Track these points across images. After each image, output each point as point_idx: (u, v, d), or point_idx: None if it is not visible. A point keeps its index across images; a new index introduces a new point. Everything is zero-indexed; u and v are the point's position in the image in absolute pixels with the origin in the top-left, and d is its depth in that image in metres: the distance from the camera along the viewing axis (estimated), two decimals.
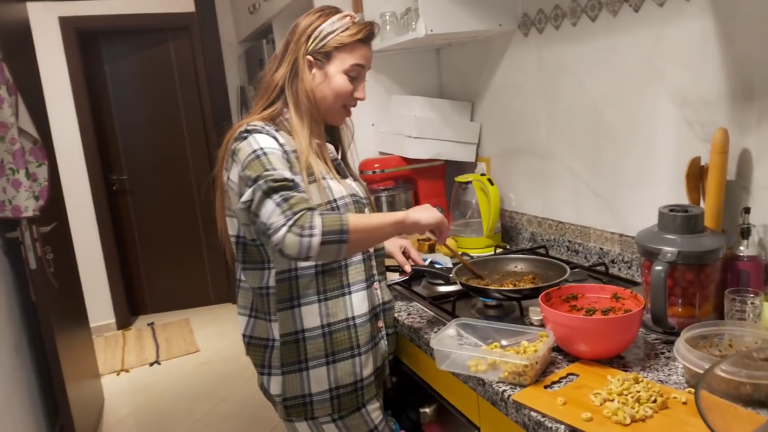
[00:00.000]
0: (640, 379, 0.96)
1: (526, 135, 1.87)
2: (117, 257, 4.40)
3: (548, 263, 1.44)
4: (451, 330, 1.20)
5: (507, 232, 2.01)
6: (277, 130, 1.21)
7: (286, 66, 1.26)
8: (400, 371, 1.48)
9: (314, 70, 1.26)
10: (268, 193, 1.10)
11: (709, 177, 1.22)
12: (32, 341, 2.47)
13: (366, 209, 1.31)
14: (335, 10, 1.28)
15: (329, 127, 1.38)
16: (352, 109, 1.34)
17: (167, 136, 4.51)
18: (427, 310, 1.44)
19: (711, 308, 1.16)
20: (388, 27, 1.94)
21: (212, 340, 4.06)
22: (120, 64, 4.43)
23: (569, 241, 1.75)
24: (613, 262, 1.59)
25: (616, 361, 1.08)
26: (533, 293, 1.29)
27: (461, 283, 1.36)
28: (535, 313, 1.26)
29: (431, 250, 1.88)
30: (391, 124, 2.13)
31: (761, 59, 1.16)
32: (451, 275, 1.41)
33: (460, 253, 1.79)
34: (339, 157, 1.37)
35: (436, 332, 1.28)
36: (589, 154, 1.63)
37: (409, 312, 1.43)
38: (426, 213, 1.25)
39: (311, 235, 1.06)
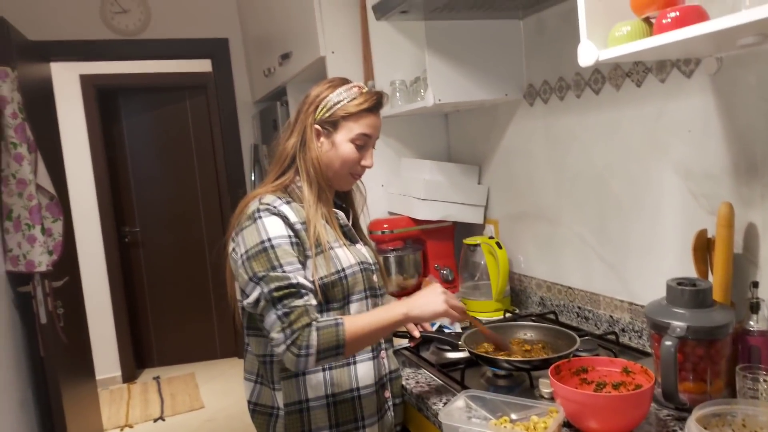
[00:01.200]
0: None
1: (534, 199, 1.89)
2: (126, 309, 4.41)
3: (558, 332, 1.44)
4: (460, 402, 1.19)
5: (516, 295, 2.01)
6: (288, 202, 1.24)
7: (296, 135, 1.31)
8: None
9: (322, 139, 1.30)
10: (272, 302, 1.14)
11: (716, 251, 1.23)
12: (38, 396, 2.45)
13: (374, 275, 1.32)
14: (344, 81, 1.33)
15: (342, 193, 1.41)
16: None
17: (181, 192, 4.59)
18: (435, 378, 1.43)
19: (723, 384, 1.15)
20: (398, 94, 2.01)
21: (217, 396, 4.00)
22: (137, 120, 4.56)
23: (579, 308, 1.74)
24: (623, 330, 1.58)
25: None
26: (543, 365, 1.28)
27: (470, 352, 1.36)
28: (545, 386, 1.25)
29: None
30: (400, 186, 2.16)
31: (763, 133, 1.19)
32: (459, 342, 1.41)
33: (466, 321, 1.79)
34: (350, 222, 1.39)
35: (445, 403, 1.27)
36: (596, 221, 1.64)
37: (417, 380, 1.43)
38: (430, 304, 1.23)
39: (308, 355, 1.12)
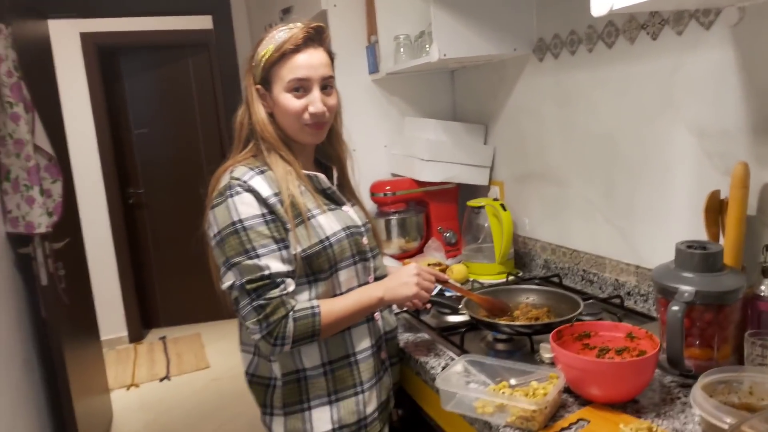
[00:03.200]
0: (654, 429, 0.91)
1: (541, 160, 1.83)
2: (131, 270, 4.42)
3: (562, 296, 1.40)
4: (458, 366, 1.16)
5: (520, 258, 1.96)
6: (263, 171, 1.18)
7: (243, 102, 1.24)
8: (406, 402, 1.44)
9: (268, 99, 1.21)
10: (246, 293, 1.11)
11: (728, 212, 1.18)
12: (42, 356, 2.46)
13: (364, 237, 1.27)
14: (276, 30, 1.19)
15: (325, 149, 1.34)
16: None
17: (185, 152, 4.54)
18: (435, 341, 1.40)
19: (730, 350, 1.11)
20: (402, 50, 1.93)
21: (223, 356, 4.04)
22: (139, 80, 4.48)
23: (584, 271, 1.70)
24: (629, 294, 1.54)
25: (630, 405, 1.03)
26: (545, 329, 1.25)
27: (471, 317, 1.32)
28: (546, 350, 1.22)
29: None
30: (403, 146, 2.10)
31: None
32: (460, 306, 1.37)
33: (468, 284, 1.75)
34: (335, 182, 1.33)
35: (443, 367, 1.24)
36: (604, 182, 1.59)
37: (416, 343, 1.40)
38: (401, 288, 1.21)
39: (283, 344, 1.12)
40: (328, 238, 1.18)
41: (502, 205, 1.82)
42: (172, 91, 4.52)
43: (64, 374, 2.33)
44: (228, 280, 1.13)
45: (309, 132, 1.22)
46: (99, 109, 4.17)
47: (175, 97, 4.52)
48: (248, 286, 1.10)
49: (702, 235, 1.26)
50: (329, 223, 1.20)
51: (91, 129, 4.16)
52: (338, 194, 1.28)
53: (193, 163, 4.54)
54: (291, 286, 1.14)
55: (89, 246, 3.48)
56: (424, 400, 1.36)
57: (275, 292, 1.11)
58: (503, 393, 1.05)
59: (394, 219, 2.01)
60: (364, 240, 1.27)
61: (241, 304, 1.12)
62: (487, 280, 1.83)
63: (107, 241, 4.27)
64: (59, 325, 2.32)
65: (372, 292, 1.20)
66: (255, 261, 1.11)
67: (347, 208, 1.29)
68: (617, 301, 1.50)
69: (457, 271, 1.82)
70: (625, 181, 1.52)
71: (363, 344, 1.23)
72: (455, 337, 1.36)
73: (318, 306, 1.14)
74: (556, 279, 1.74)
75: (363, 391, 1.22)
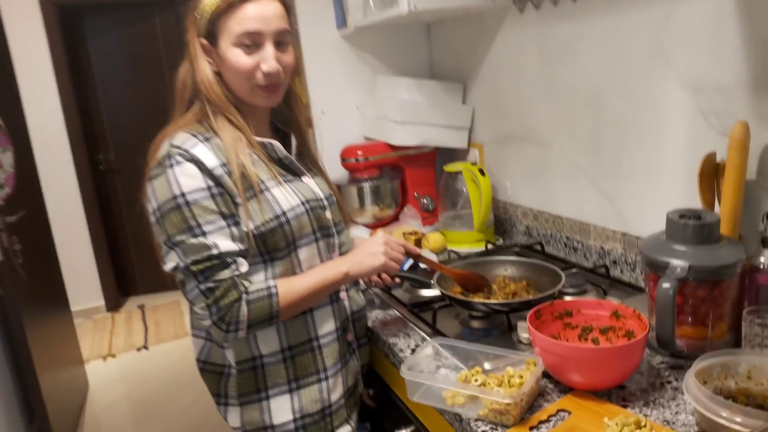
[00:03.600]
0: (643, 423, 0.82)
1: (523, 120, 1.70)
2: (105, 237, 4.27)
3: (542, 268, 1.30)
4: (428, 350, 1.06)
5: (500, 224, 1.86)
6: (208, 139, 1.04)
7: (186, 58, 1.08)
8: (378, 381, 1.35)
9: (213, 55, 1.07)
10: (192, 275, 0.99)
11: (726, 176, 1.07)
12: (4, 334, 2.35)
13: (327, 211, 1.15)
14: None
15: (282, 113, 1.20)
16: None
17: (154, 113, 4.27)
18: (406, 319, 1.30)
19: (726, 328, 1.02)
20: (371, 1, 1.77)
21: None
22: (104, 41, 4.24)
23: (567, 238, 1.60)
24: (614, 263, 1.45)
25: (616, 392, 0.94)
26: (523, 307, 1.15)
27: (443, 293, 1.22)
28: (524, 330, 1.12)
29: (417, 245, 1.73)
30: (376, 107, 1.96)
31: None
32: (432, 281, 1.27)
33: (445, 254, 1.65)
34: (293, 151, 1.19)
35: (413, 350, 1.14)
36: (590, 144, 1.47)
37: (386, 321, 1.30)
38: (368, 259, 1.10)
39: (237, 330, 1.01)
40: (284, 213, 1.06)
41: (481, 170, 1.70)
42: (139, 51, 4.28)
43: (26, 349, 2.22)
44: (171, 261, 1.01)
45: (261, 94, 1.08)
46: (62, 72, 3.94)
47: (142, 58, 4.29)
48: (194, 268, 0.98)
49: (696, 201, 1.15)
50: (285, 196, 1.08)
51: (54, 93, 3.94)
52: (297, 164, 1.15)
53: (164, 125, 4.32)
54: (243, 266, 1.02)
55: (58, 215, 3.33)
56: (394, 382, 1.26)
57: (225, 273, 0.99)
58: (475, 382, 0.95)
59: (367, 186, 1.89)
60: (327, 214, 1.15)
61: (187, 287, 1.01)
62: (465, 248, 1.73)
63: (77, 208, 4.11)
64: (17, 300, 2.20)
65: (336, 267, 1.09)
66: (201, 239, 0.99)
67: (307, 179, 1.16)
68: (603, 271, 1.40)
69: (433, 240, 1.71)
70: (612, 142, 1.40)
71: (327, 327, 1.13)
72: (427, 315, 1.26)
73: (275, 286, 1.03)
74: (538, 247, 1.63)
75: (327, 378, 1.12)
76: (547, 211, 1.66)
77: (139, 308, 4.36)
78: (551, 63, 1.54)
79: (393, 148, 1.89)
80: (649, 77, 1.26)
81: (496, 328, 1.21)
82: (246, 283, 1.01)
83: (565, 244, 1.61)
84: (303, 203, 1.10)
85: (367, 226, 1.88)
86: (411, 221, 1.86)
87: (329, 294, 1.12)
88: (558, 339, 1.04)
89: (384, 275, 1.28)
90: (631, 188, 1.37)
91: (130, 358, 3.64)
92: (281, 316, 1.04)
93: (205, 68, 1.06)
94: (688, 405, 0.89)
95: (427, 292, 1.41)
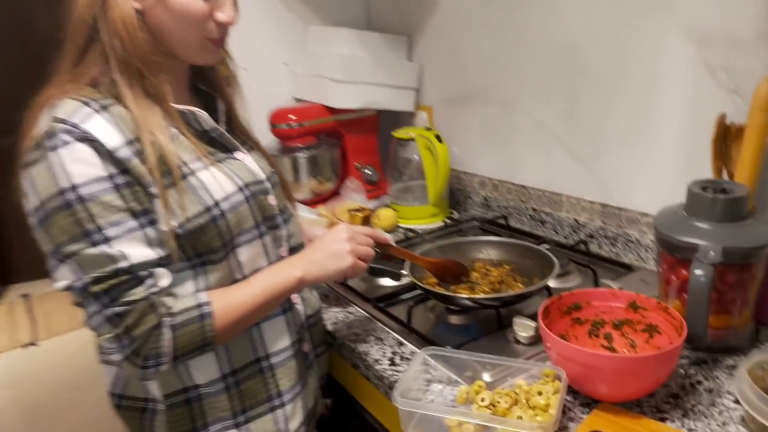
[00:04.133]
0: None
1: (482, 79, 1.51)
2: None
3: (525, 249, 1.13)
4: (417, 364, 0.86)
5: (453, 196, 1.68)
6: (105, 107, 0.75)
7: None
8: (338, 389, 1.14)
9: None
10: (92, 297, 0.72)
11: (746, 141, 0.93)
12: None
13: (270, 196, 0.90)
14: None
15: (205, 73, 0.92)
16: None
17: (34, 76, 3.72)
18: (373, 318, 1.08)
19: (750, 314, 0.89)
20: None
21: None
22: None
23: (534, 210, 1.44)
24: (591, 237, 1.31)
25: (646, 401, 0.79)
26: (516, 300, 0.97)
27: (423, 289, 1.01)
28: (524, 328, 0.94)
29: (365, 223, 1.51)
30: (309, 64, 1.69)
31: None
32: (403, 271, 1.06)
33: (398, 232, 1.44)
34: (222, 120, 0.92)
35: (390, 360, 0.94)
36: (564, 105, 1.30)
37: (349, 323, 1.08)
38: (332, 260, 0.87)
39: (158, 364, 0.75)
40: (217, 204, 0.80)
41: (437, 136, 1.49)
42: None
43: None
44: (62, 279, 0.73)
45: (211, 49, 0.83)
46: None
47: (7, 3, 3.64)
48: (95, 288, 0.71)
49: (695, 170, 1.02)
50: (217, 181, 0.81)
51: None
52: (227, 137, 0.88)
53: (42, 85, 3.74)
54: (163, 279, 0.76)
55: None
56: (362, 394, 1.05)
57: (139, 292, 0.73)
58: (482, 401, 0.76)
59: (302, 156, 1.63)
60: (271, 199, 0.90)
61: (87, 311, 0.74)
62: (420, 225, 1.53)
63: None
64: None
65: (287, 271, 0.85)
66: (102, 248, 0.71)
67: (242, 156, 0.90)
68: (583, 247, 1.26)
69: (384, 217, 1.50)
70: (593, 101, 1.24)
71: (279, 342, 0.89)
72: (396, 310, 1.06)
73: (207, 303, 0.77)
74: (501, 221, 1.47)
75: (283, 404, 0.89)
76: (510, 181, 1.50)
77: (23, 298, 3.82)
78: (517, 10, 1.35)
79: (331, 111, 1.64)
80: (644, 26, 1.10)
81: (481, 324, 1.02)
82: (169, 302, 0.75)
83: (531, 217, 1.45)
84: (241, 189, 0.84)
85: (304, 202, 1.63)
86: (354, 195, 1.63)
87: (277, 306, 0.88)
88: (567, 339, 0.87)
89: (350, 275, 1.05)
90: (614, 154, 1.23)
91: (16, 357, 3.15)
92: (218, 341, 0.79)
93: (129, 7, 0.76)
94: (733, 412, 0.76)
95: (387, 282, 1.20)
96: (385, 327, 1.04)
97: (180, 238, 0.76)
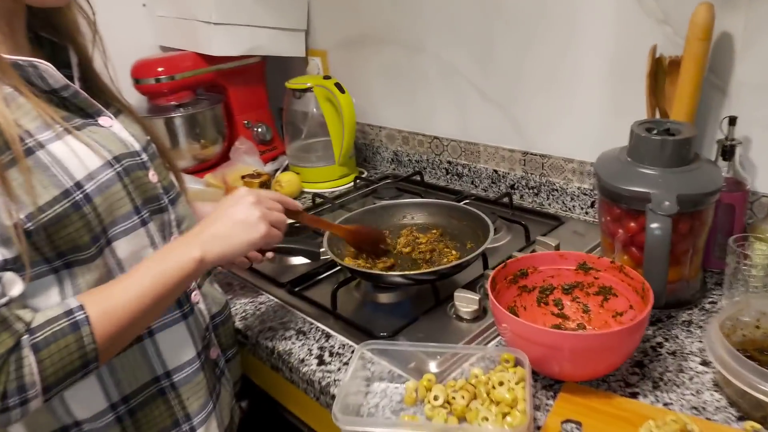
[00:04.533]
0: (690, 428, 0.59)
1: (380, 16, 1.34)
2: None
3: (450, 208, 1.01)
4: (355, 365, 0.71)
5: (359, 153, 1.52)
6: None
7: None
8: (254, 389, 0.98)
9: None
10: None
11: (682, 75, 0.86)
12: None
13: (150, 171, 0.70)
14: None
15: (50, 16, 0.69)
16: None
17: None
18: (289, 306, 0.92)
19: (699, 264, 0.84)
20: None
21: None
22: None
23: (449, 163, 1.33)
24: (513, 187, 1.22)
25: (612, 377, 0.71)
26: (453, 272, 0.86)
27: (349, 269, 0.86)
28: (466, 302, 0.83)
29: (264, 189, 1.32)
30: (175, 5, 1.42)
31: None
32: (322, 249, 0.90)
33: (302, 199, 1.27)
34: (76, 75, 0.70)
35: (318, 358, 0.79)
36: (478, 44, 1.17)
37: (262, 315, 0.91)
38: (239, 232, 0.69)
39: (25, 401, 0.54)
40: (79, 185, 0.59)
41: (338, 85, 1.31)
42: None
43: None
44: None
45: None
46: None
47: None
48: None
49: (623, 110, 0.96)
50: (77, 155, 0.60)
51: None
52: (85, 97, 0.66)
53: None
54: (14, 286, 0.55)
55: None
56: (286, 396, 0.90)
57: None
58: (435, 400, 0.65)
59: (177, 116, 1.38)
60: (151, 175, 0.70)
61: None
62: (327, 188, 1.37)
63: None
64: None
65: (180, 253, 0.65)
66: None
67: (108, 121, 0.68)
68: (506, 200, 1.17)
69: (287, 181, 1.32)
70: (509, 39, 1.12)
71: (182, 355, 0.71)
72: (313, 293, 0.92)
73: (80, 306, 0.58)
74: (417, 177, 1.34)
75: (193, 429, 0.72)
76: (421, 132, 1.36)
77: None
78: None
79: (207, 60, 1.39)
80: None
81: (413, 300, 0.90)
82: (25, 315, 0.55)
83: (447, 171, 1.34)
84: (110, 163, 0.63)
85: (187, 171, 1.40)
86: (247, 159, 1.42)
87: (176, 299, 0.70)
88: (516, 312, 0.77)
89: (252, 252, 0.87)
90: (533, 98, 1.13)
91: None
92: (102, 356, 0.59)
93: None
94: (703, 376, 0.70)
95: (299, 260, 1.04)
96: (306, 316, 0.89)
97: (32, 234, 0.55)
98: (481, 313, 0.83)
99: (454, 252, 0.93)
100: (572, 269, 0.80)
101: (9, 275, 0.55)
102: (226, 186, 1.20)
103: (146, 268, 0.63)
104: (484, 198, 1.22)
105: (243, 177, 1.33)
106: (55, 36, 0.70)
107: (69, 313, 0.57)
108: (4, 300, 0.53)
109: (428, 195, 1.27)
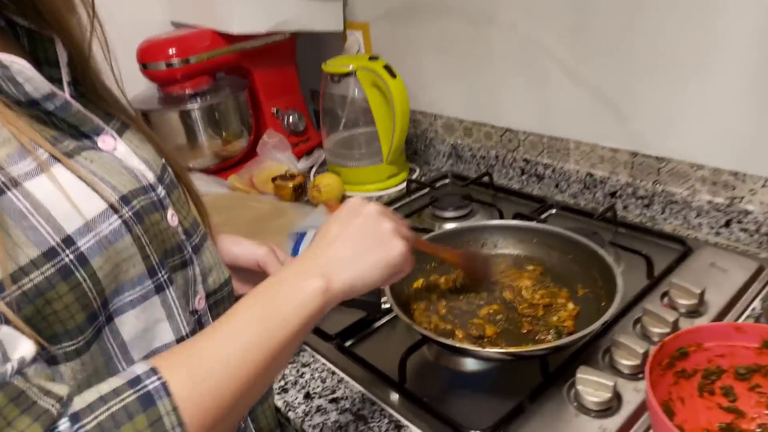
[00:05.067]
0: None
1: None
2: None
3: (550, 236, 0.76)
4: None
5: (408, 144, 1.27)
6: None
7: None
8: None
9: None
10: None
11: None
12: None
13: (168, 211, 0.47)
14: None
15: (16, 2, 0.44)
16: None
17: None
18: (336, 369, 0.70)
19: None
20: None
21: None
22: None
23: (525, 161, 1.08)
24: (613, 195, 0.97)
25: None
26: (576, 342, 0.62)
27: (430, 339, 0.63)
28: (593, 387, 0.60)
29: (298, 196, 1.10)
30: None
31: None
32: (383, 299, 0.68)
33: None
34: (66, 80, 0.45)
35: None
36: (569, 14, 0.91)
37: (306, 386, 0.69)
38: (379, 248, 0.50)
39: None
40: (70, 240, 0.38)
41: (387, 67, 1.06)
42: None
43: None
44: None
45: None
46: None
47: None
48: None
49: None
50: (67, 195, 0.39)
51: None
52: (79, 109, 0.42)
53: None
54: (19, 345, 0.35)
55: None
56: None
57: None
58: None
59: (194, 107, 1.15)
60: (170, 216, 0.47)
61: None
62: (373, 191, 1.13)
63: None
64: None
65: (293, 284, 0.46)
66: None
67: (110, 142, 0.45)
68: (610, 215, 0.91)
69: (326, 186, 1.09)
70: (615, 10, 0.86)
71: None
72: (368, 347, 0.69)
73: (152, 371, 0.37)
74: (486, 179, 1.10)
75: None
76: (489, 123, 1.11)
77: None
78: None
79: (228, 39, 1.15)
80: None
81: (502, 368, 0.67)
82: (57, 388, 0.35)
83: (522, 170, 1.09)
84: (114, 207, 0.41)
85: (207, 171, 1.17)
86: (277, 154, 1.19)
87: (292, 354, 0.49)
88: (672, 410, 0.54)
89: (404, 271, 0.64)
90: (646, 82, 0.87)
91: None
92: None
93: None
94: None
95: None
96: (364, 390, 0.67)
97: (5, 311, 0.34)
98: (613, 405, 0.59)
99: (570, 305, 0.69)
100: (754, 347, 0.56)
101: (6, 330, 0.34)
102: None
103: (246, 313, 0.43)
104: (574, 207, 0.97)
105: (274, 179, 1.11)
106: (36, 22, 0.46)
107: (137, 381, 0.36)
108: (10, 366, 0.33)
109: (499, 201, 1.02)
